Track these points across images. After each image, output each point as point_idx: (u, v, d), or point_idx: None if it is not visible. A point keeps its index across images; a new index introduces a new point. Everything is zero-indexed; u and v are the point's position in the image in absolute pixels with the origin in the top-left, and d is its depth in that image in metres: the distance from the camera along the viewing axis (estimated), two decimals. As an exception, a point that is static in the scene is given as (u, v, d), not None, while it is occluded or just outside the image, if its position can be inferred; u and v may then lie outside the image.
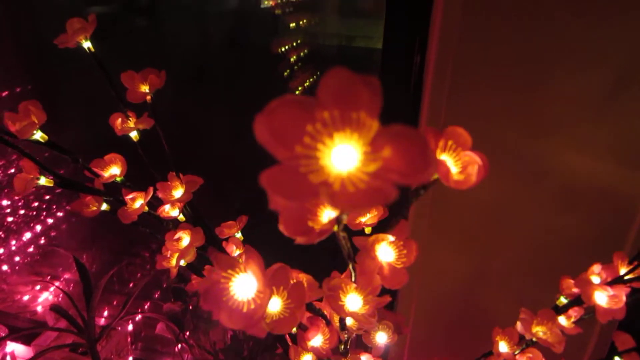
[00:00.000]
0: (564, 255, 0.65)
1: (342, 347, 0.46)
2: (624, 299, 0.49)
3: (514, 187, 0.67)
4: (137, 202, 0.52)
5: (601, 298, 0.49)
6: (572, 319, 0.54)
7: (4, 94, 1.29)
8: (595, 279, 0.51)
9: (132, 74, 0.48)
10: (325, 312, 0.45)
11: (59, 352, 1.00)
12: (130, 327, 1.10)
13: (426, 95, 0.65)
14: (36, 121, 0.41)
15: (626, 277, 0.49)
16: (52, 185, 0.47)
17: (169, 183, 0.55)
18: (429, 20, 0.64)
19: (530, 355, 0.56)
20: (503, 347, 0.55)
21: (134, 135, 0.53)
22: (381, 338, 0.54)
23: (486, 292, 0.72)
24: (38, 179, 0.46)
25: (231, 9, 1.23)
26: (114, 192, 0.52)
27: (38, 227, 1.31)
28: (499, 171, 0.67)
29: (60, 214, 1.35)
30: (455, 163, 0.29)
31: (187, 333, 0.91)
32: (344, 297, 0.35)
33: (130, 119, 0.52)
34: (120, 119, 0.52)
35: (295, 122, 0.16)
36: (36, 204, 1.31)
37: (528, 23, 0.59)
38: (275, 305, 0.34)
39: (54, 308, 0.93)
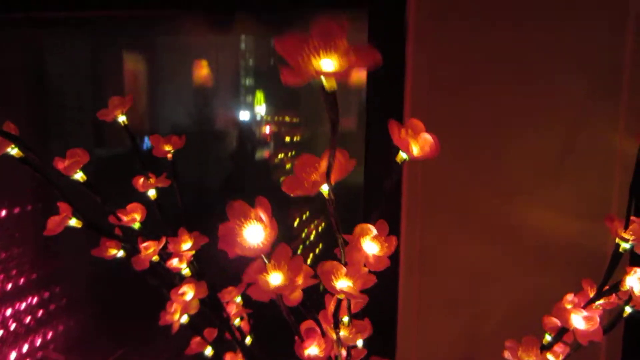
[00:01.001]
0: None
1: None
2: (598, 319, 0.52)
3: (492, 249, 0.73)
4: (151, 250, 0.58)
5: (578, 321, 0.53)
6: (561, 357, 0.57)
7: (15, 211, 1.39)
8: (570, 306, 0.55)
9: (158, 136, 0.59)
10: (323, 325, 0.48)
11: None
12: None
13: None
14: (80, 160, 0.50)
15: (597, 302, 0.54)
16: (80, 226, 0.54)
17: (179, 237, 0.61)
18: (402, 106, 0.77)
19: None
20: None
21: (152, 193, 0.62)
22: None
23: (482, 357, 0.73)
24: (70, 219, 0.53)
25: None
26: (131, 240, 0.59)
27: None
28: (476, 233, 0.74)
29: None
30: (415, 143, 0.38)
31: None
32: (336, 281, 0.41)
33: (150, 179, 0.61)
34: (142, 180, 0.61)
35: (297, 45, 0.25)
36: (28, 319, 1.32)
37: (487, 99, 0.72)
38: (277, 279, 0.39)
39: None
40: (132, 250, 0.58)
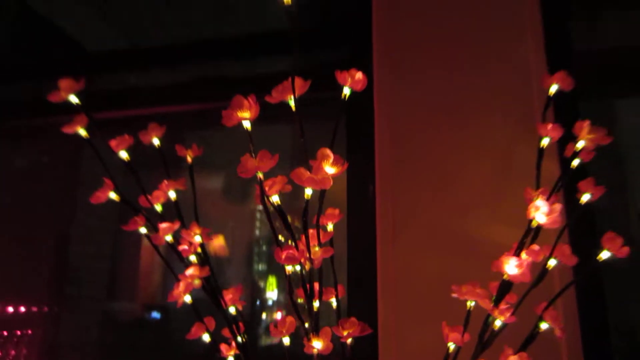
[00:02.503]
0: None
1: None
2: (525, 264, 0.63)
3: (454, 259, 0.84)
4: (167, 229, 0.74)
5: (510, 268, 0.64)
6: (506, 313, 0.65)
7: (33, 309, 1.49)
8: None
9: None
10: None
11: None
12: None
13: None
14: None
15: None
16: (118, 200, 0.71)
17: (191, 229, 0.76)
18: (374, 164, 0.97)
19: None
20: None
21: (173, 196, 0.79)
22: None
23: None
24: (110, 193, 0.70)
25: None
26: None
27: None
28: (441, 247, 0.87)
29: None
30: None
31: None
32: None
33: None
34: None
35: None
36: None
37: (440, 140, 0.93)
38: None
39: None
40: (153, 230, 0.74)
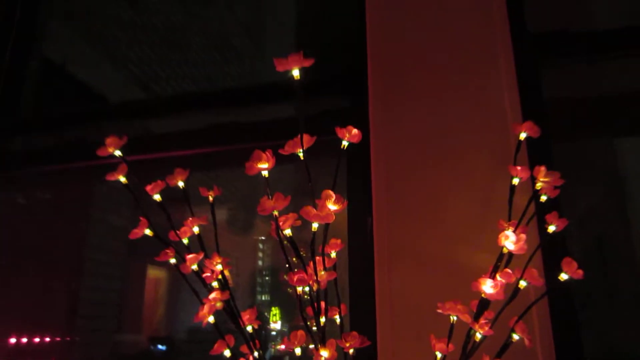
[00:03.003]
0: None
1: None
2: (499, 286, 0.75)
3: (445, 286, 0.96)
4: (193, 259, 0.86)
5: (487, 288, 0.76)
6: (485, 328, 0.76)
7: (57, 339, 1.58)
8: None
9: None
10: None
11: None
12: None
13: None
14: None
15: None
16: (152, 235, 0.83)
17: (213, 258, 0.88)
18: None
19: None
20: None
21: (196, 230, 0.91)
22: None
23: None
24: (146, 228, 0.83)
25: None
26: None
27: None
28: (433, 275, 0.98)
29: None
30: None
31: None
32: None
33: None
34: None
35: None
36: None
37: (427, 176, 1.06)
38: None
39: None
40: (180, 261, 0.86)
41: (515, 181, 0.86)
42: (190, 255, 0.86)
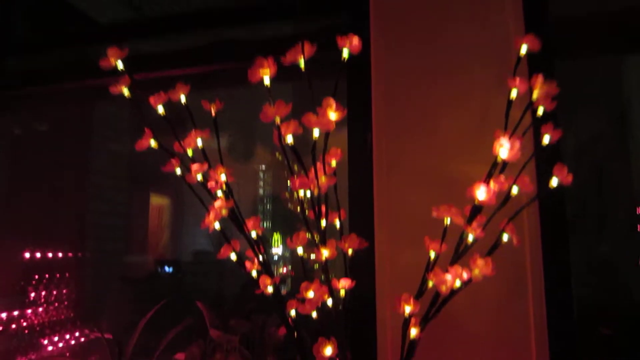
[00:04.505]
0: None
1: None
2: (491, 192, 0.79)
3: (438, 193, 1.00)
4: (198, 169, 0.89)
5: (481, 194, 0.80)
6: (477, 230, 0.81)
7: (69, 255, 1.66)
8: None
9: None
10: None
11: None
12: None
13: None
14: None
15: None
16: (156, 147, 0.86)
17: (216, 169, 0.91)
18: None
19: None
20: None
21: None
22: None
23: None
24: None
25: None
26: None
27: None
28: (426, 183, 1.03)
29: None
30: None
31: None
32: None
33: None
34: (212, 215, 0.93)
35: None
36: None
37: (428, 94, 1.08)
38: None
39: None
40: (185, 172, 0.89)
41: (514, 93, 0.87)
42: (195, 165, 0.89)
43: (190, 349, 1.05)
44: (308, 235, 0.79)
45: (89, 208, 2.40)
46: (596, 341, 1.38)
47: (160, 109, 0.88)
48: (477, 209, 0.82)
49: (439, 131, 1.06)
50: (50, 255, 1.56)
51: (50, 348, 1.39)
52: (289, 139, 0.77)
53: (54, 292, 1.51)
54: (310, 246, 0.79)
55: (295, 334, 0.87)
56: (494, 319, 0.98)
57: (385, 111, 1.10)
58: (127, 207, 2.80)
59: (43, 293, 1.46)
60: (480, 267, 0.78)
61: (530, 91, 0.86)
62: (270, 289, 0.87)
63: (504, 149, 0.79)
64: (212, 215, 0.89)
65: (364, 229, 1.04)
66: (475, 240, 0.81)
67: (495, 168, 0.82)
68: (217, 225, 0.89)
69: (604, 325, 1.41)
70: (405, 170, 1.06)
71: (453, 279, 0.80)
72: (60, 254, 1.62)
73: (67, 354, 1.44)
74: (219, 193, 0.91)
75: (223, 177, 0.91)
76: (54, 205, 1.89)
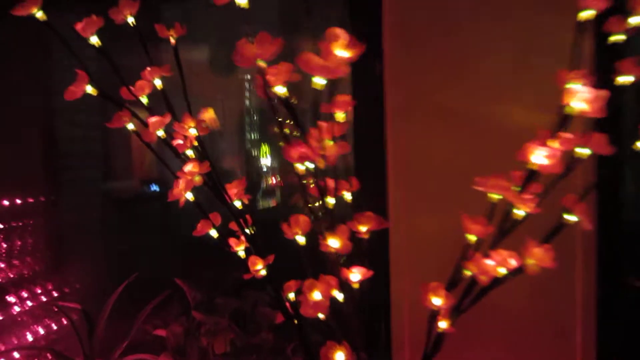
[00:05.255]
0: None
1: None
2: (557, 154, 0.58)
3: (471, 147, 0.79)
4: (157, 124, 0.66)
5: (539, 158, 0.59)
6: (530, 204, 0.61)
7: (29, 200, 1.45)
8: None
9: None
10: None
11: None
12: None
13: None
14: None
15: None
16: (95, 94, 0.62)
17: (184, 121, 0.68)
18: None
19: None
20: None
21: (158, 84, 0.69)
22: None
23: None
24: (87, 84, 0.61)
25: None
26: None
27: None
28: (456, 135, 0.81)
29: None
30: None
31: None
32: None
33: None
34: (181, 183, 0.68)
35: None
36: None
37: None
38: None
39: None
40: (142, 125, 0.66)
41: (585, 14, 0.62)
42: (153, 119, 0.66)
43: (172, 327, 0.90)
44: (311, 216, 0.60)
45: (62, 136, 2.12)
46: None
47: (94, 39, 0.62)
48: (531, 175, 0.62)
49: (469, 63, 0.81)
50: (19, 201, 1.36)
51: (17, 308, 1.25)
52: (280, 90, 0.54)
53: (18, 243, 1.33)
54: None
55: (296, 322, 0.71)
56: (535, 304, 0.82)
57: (401, 33, 0.83)
58: (105, 130, 2.53)
59: (4, 245, 1.28)
60: (537, 256, 0.60)
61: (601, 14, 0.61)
62: (263, 272, 0.69)
63: (579, 99, 0.57)
64: (181, 184, 0.68)
65: (373, 195, 0.83)
66: (526, 216, 0.61)
67: (565, 122, 0.60)
68: (189, 196, 0.68)
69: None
70: (426, 114, 0.82)
71: (497, 265, 0.62)
72: (30, 199, 1.42)
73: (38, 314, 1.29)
74: (190, 153, 0.69)
75: (193, 132, 0.68)
76: (18, 138, 1.63)
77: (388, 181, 0.84)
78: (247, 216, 0.73)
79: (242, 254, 0.72)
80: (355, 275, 0.62)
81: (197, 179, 0.67)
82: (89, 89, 0.62)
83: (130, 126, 0.66)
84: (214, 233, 0.72)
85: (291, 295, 0.69)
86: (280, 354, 0.82)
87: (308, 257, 0.61)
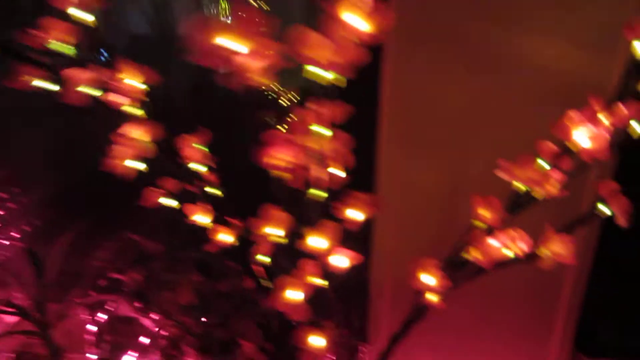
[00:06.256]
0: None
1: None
2: (606, 136, 0.46)
3: (483, 83, 0.65)
4: (80, 75, 0.47)
5: (582, 138, 0.47)
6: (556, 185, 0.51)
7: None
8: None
9: None
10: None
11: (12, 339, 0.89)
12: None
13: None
14: None
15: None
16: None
17: (121, 69, 0.50)
18: None
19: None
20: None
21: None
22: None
23: (465, 203, 0.68)
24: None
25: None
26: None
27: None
28: (468, 66, 0.65)
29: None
30: None
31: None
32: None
33: None
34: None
35: None
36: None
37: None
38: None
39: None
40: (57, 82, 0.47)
41: None
42: (73, 70, 0.47)
43: (130, 273, 0.81)
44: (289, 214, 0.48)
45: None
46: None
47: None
48: (566, 152, 0.50)
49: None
50: None
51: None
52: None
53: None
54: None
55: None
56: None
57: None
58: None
59: None
60: (555, 246, 0.51)
61: None
62: (228, 239, 0.58)
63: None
64: (119, 151, 0.52)
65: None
66: (544, 197, 0.51)
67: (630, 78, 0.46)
68: (137, 165, 0.54)
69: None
70: (430, 48, 0.64)
71: (502, 247, 0.54)
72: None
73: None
74: (133, 111, 0.52)
75: (135, 83, 0.51)
76: None
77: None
78: (214, 176, 0.60)
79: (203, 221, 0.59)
80: (344, 260, 0.53)
81: (149, 146, 0.52)
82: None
83: (42, 84, 0.47)
84: (168, 201, 0.59)
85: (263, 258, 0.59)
86: (256, 304, 0.76)
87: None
